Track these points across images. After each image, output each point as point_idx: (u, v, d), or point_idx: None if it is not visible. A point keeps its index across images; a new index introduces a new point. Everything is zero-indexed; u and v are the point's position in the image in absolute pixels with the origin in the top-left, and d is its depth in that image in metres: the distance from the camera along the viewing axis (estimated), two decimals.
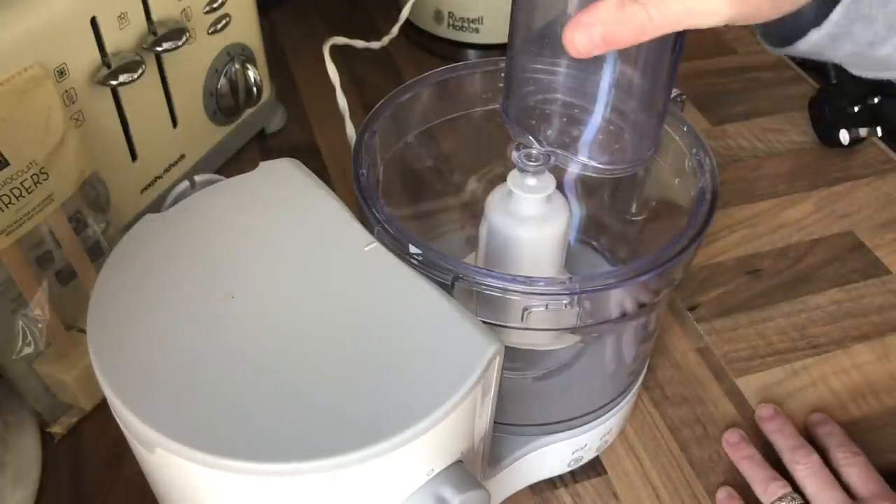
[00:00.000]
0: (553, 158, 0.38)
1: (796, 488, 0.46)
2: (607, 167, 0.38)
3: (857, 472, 0.46)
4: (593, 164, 0.38)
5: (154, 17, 0.50)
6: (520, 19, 0.37)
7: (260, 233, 0.37)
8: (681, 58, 0.36)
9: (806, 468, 0.46)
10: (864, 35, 0.34)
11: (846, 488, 0.45)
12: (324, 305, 0.34)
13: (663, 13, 0.30)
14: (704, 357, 0.55)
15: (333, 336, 0.32)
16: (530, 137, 0.38)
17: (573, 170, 0.39)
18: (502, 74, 0.42)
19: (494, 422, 0.37)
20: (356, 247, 0.36)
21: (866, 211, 0.66)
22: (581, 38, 0.31)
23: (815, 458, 0.47)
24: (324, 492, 0.30)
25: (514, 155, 0.38)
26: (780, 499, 0.45)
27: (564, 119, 0.38)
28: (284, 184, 0.39)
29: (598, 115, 0.37)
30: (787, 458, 0.47)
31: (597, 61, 0.35)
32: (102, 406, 0.46)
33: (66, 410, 0.49)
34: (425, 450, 0.31)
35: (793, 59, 0.82)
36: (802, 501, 0.45)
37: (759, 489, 0.46)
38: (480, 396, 0.33)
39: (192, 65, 0.56)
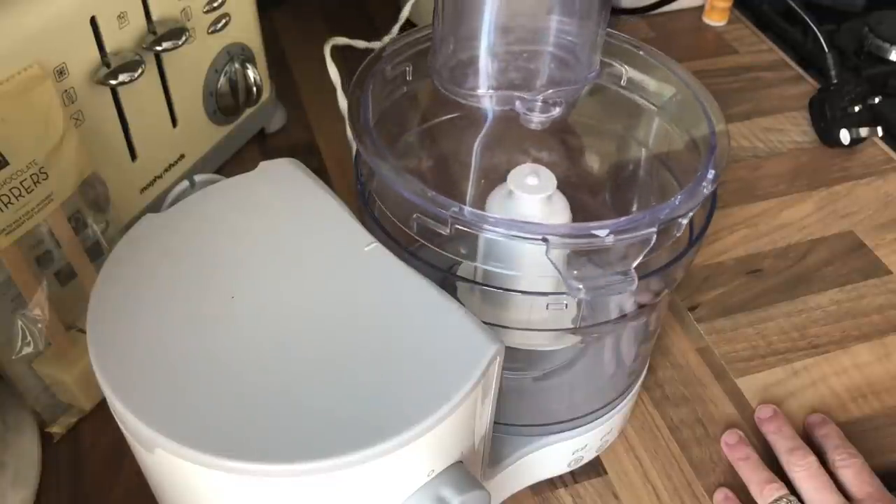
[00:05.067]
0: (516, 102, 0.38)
1: (794, 490, 0.46)
2: (558, 90, 0.38)
3: (854, 474, 0.46)
4: (544, 93, 0.38)
5: (154, 16, 0.50)
6: None
7: (260, 233, 0.37)
8: None
9: (802, 470, 0.46)
10: None
11: (842, 490, 0.45)
12: (324, 306, 0.34)
13: None
14: (704, 357, 0.55)
15: (333, 336, 0.32)
16: (468, 90, 0.38)
17: (527, 105, 0.38)
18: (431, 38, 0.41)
19: (494, 422, 0.37)
20: (356, 247, 0.36)
21: (866, 211, 0.66)
22: None
23: (812, 459, 0.47)
24: (324, 492, 0.30)
25: (514, 157, 0.38)
26: (776, 500, 0.45)
27: (503, 62, 0.38)
28: (284, 184, 0.39)
29: (538, 49, 0.37)
30: (785, 459, 0.47)
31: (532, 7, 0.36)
32: (102, 406, 0.46)
33: (65, 410, 0.49)
34: (426, 450, 0.31)
35: (793, 58, 0.82)
36: (799, 503, 0.45)
37: (755, 491, 0.46)
38: (481, 397, 0.33)
39: (191, 64, 0.56)
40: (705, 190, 0.35)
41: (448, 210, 0.33)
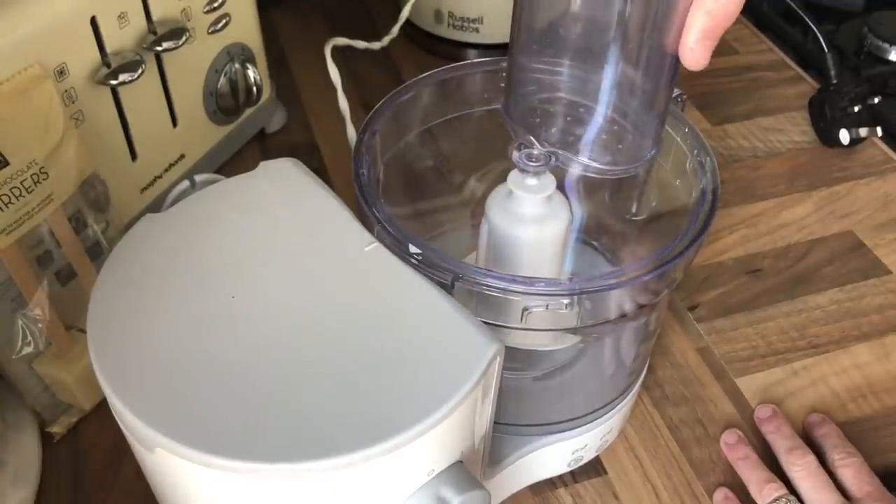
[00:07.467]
0: (554, 159, 0.38)
1: (793, 489, 0.46)
2: (609, 167, 0.38)
3: (853, 473, 0.46)
4: (595, 164, 0.38)
5: (154, 16, 0.50)
6: (522, 19, 0.37)
7: (260, 233, 0.37)
8: None
9: (801, 469, 0.46)
10: None
11: (842, 489, 0.45)
12: (324, 305, 0.34)
13: None
14: (704, 357, 0.55)
15: (334, 336, 0.32)
16: (532, 138, 0.38)
17: (575, 170, 0.39)
18: (503, 74, 0.42)
19: (494, 422, 0.37)
20: (356, 247, 0.36)
21: (866, 211, 0.66)
22: (697, 52, 0.32)
23: (811, 458, 0.47)
24: (324, 492, 0.30)
25: (515, 155, 0.38)
26: (776, 500, 0.45)
27: (567, 119, 0.38)
28: (284, 184, 0.39)
29: (600, 114, 0.37)
30: (784, 458, 0.47)
31: (599, 61, 0.35)
32: (102, 406, 0.46)
33: (65, 410, 0.49)
34: (426, 450, 0.31)
35: (793, 58, 0.82)
36: (798, 503, 0.45)
37: (754, 491, 0.46)
38: (481, 397, 0.33)
39: (192, 64, 0.56)
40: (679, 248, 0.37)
41: (448, 264, 0.35)
